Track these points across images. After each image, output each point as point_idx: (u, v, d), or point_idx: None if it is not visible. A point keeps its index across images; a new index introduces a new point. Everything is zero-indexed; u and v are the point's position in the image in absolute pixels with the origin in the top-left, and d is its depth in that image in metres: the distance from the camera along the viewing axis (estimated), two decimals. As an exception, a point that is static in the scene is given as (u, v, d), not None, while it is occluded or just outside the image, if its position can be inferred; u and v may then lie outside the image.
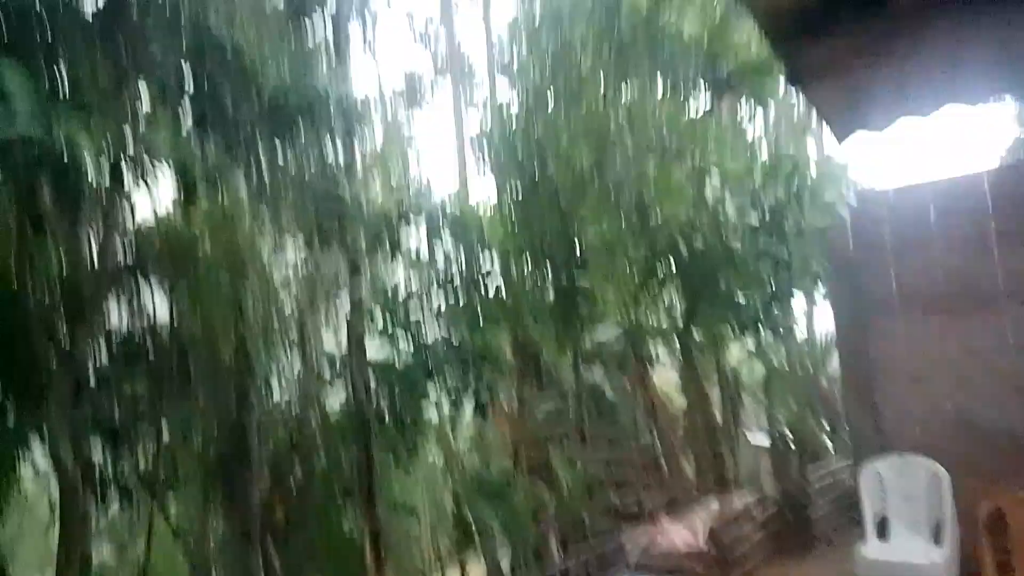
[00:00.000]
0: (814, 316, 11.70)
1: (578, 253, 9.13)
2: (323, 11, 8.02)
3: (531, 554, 8.24)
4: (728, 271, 8.26)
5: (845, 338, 7.11)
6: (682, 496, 8.78)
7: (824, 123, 2.73)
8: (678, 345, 10.20)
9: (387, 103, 12.18)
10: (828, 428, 12.20)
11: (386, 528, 9.02)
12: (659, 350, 11.14)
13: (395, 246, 8.76)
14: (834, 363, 10.68)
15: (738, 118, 8.91)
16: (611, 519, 8.45)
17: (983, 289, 5.64)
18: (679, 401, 12.22)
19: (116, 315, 9.08)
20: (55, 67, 6.36)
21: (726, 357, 12.00)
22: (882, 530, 5.93)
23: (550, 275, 9.67)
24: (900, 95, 2.44)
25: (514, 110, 9.33)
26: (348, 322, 9.04)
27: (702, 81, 7.98)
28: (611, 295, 9.41)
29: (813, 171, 8.38)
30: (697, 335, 10.10)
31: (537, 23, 8.64)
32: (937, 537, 5.62)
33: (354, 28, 8.34)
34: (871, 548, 5.75)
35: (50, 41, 6.16)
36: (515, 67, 9.14)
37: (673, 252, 8.19)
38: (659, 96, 8.15)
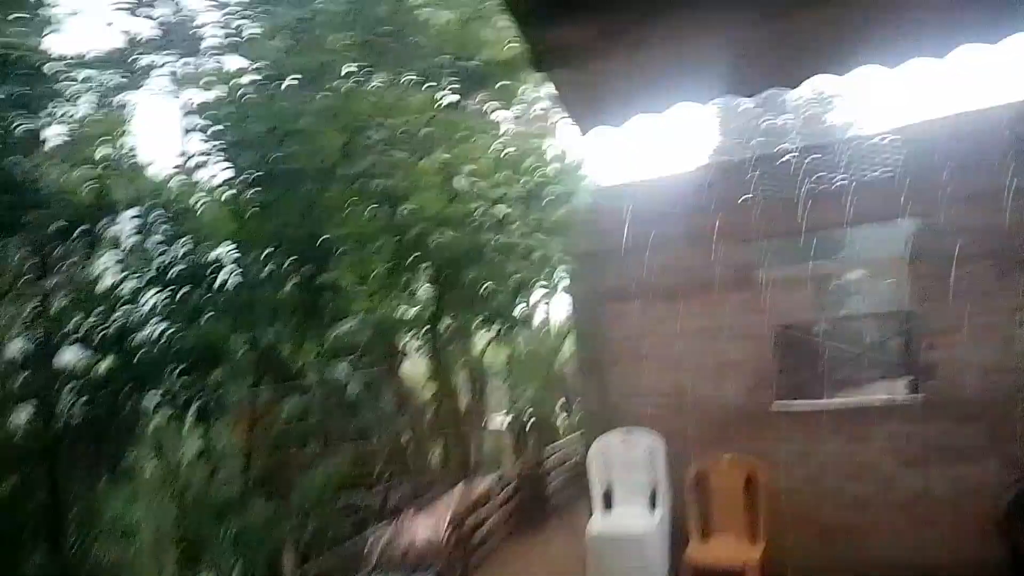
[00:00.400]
0: (554, 304, 12.43)
1: (324, 244, 8.59)
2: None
3: (265, 570, 7.63)
4: (474, 263, 8.34)
5: (581, 323, 7.56)
6: (428, 487, 8.77)
7: (568, 115, 2.68)
8: (428, 336, 10.17)
9: (94, 71, 10.50)
10: (566, 409, 13.12)
11: (96, 557, 7.86)
12: (410, 342, 11.06)
13: (95, 239, 7.54)
14: (571, 347, 11.46)
15: (486, 111, 9.02)
16: (355, 520, 8.16)
17: (702, 277, 6.29)
18: (429, 392, 12.26)
19: None
20: None
21: (472, 346, 12.28)
22: (608, 502, 6.41)
23: (292, 267, 9.01)
24: (635, 91, 2.45)
25: (247, 85, 8.48)
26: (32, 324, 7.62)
27: (452, 74, 7.91)
28: (359, 287, 9.04)
29: (555, 166, 8.78)
30: (445, 326, 10.15)
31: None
32: (653, 504, 6.21)
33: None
34: (595, 522, 6.18)
35: None
36: (249, 40, 8.31)
37: (422, 244, 8.07)
38: (408, 85, 7.94)
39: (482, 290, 8.70)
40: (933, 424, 5.62)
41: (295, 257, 8.98)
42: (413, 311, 10.45)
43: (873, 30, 1.97)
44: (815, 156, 5.80)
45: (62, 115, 8.63)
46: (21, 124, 7.29)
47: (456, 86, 8.01)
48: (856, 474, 5.87)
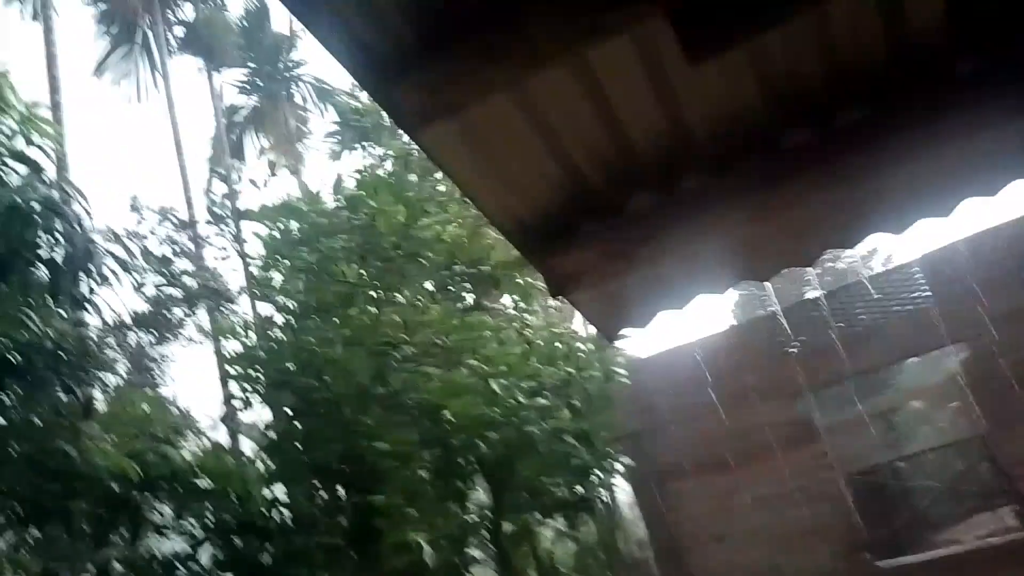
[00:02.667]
0: (614, 489, 11.84)
1: (368, 467, 8.43)
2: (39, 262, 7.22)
3: None
4: (525, 458, 8.11)
5: (645, 506, 7.16)
6: None
7: (592, 325, 2.69)
8: (491, 542, 9.64)
9: (132, 341, 11.09)
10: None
11: None
12: (473, 551, 10.48)
13: (138, 519, 7.51)
14: (641, 530, 10.76)
15: (505, 309, 9.21)
16: None
17: (755, 440, 6.01)
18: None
19: None
20: None
21: (538, 544, 11.60)
22: None
23: (340, 498, 8.80)
24: (655, 295, 2.47)
25: (279, 327, 8.82)
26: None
27: (466, 280, 8.19)
28: (410, 508, 8.72)
29: (585, 348, 8.76)
30: (507, 529, 9.65)
31: (293, 242, 8.47)
32: None
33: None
34: None
35: None
36: (276, 285, 8.75)
37: (469, 449, 7.89)
38: (428, 299, 8.20)
39: (539, 483, 8.37)
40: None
41: (344, 485, 8.79)
42: (472, 518, 10.02)
43: (877, 204, 1.99)
44: (844, 299, 5.75)
45: (101, 384, 8.95)
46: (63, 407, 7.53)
47: (472, 292, 8.25)
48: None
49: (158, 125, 30.77)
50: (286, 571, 7.88)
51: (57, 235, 7.12)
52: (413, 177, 8.73)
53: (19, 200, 6.93)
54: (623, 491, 11.86)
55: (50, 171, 8.07)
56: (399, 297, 8.16)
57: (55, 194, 7.45)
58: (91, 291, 7.45)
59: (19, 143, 7.55)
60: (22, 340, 6.93)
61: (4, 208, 6.87)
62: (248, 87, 24.05)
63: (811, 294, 7.37)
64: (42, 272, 7.19)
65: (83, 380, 7.95)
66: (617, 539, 11.79)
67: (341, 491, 9.00)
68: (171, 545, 8.36)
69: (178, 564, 7.99)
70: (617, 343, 7.74)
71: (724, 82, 1.80)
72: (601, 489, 11.02)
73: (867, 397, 6.74)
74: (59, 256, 7.05)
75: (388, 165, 10.95)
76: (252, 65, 23.57)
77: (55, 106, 14.67)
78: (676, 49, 1.49)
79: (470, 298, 8.59)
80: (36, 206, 7.01)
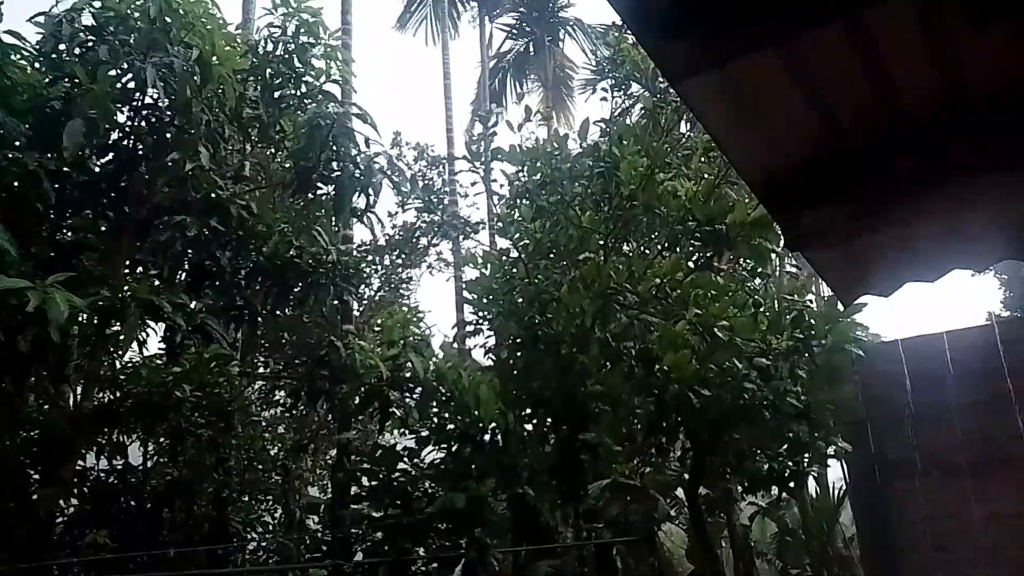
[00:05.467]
0: (827, 474, 11.16)
1: (581, 405, 8.85)
2: (328, 180, 8.44)
3: None
4: (736, 424, 7.96)
5: (861, 500, 6.74)
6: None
7: (829, 287, 2.66)
8: (686, 502, 9.68)
9: (385, 261, 12.46)
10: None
11: None
12: (667, 508, 10.59)
13: (386, 406, 8.60)
14: (847, 518, 10.11)
15: (737, 270, 8.97)
16: None
17: (1008, 451, 5.40)
18: (686, 564, 11.48)
19: (91, 464, 8.90)
20: (51, 231, 6.62)
21: (736, 517, 11.39)
22: None
23: (551, 428, 9.36)
24: (905, 262, 2.38)
25: (510, 262, 9.45)
26: (332, 476, 8.69)
27: (699, 238, 8.10)
28: (616, 449, 9.03)
29: (817, 320, 8.28)
30: (704, 493, 9.63)
31: (537, 184, 8.94)
32: None
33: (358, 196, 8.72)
34: None
35: (50, 205, 6.44)
36: (514, 224, 9.34)
37: (680, 405, 7.93)
38: (657, 252, 8.25)
39: (746, 454, 8.22)
40: None
41: (554, 418, 9.33)
42: (671, 475, 10.12)
43: None
44: None
45: (360, 295, 10.30)
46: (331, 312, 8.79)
47: (704, 249, 8.15)
48: None
49: (433, 71, 33.33)
50: (494, 482, 8.62)
51: (345, 157, 8.27)
52: (659, 130, 8.72)
53: (320, 122, 8.12)
54: (837, 480, 11.16)
55: (341, 99, 9.22)
56: (630, 244, 8.30)
57: (346, 120, 8.58)
58: (367, 208, 8.59)
59: (319, 74, 8.78)
60: (311, 250, 8.20)
61: (307, 130, 8.11)
62: (515, 32, 25.07)
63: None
64: (329, 189, 8.43)
65: (349, 290, 9.22)
66: (824, 529, 11.18)
67: (551, 422, 9.56)
68: (404, 442, 9.54)
69: (404, 458, 9.13)
70: (856, 319, 7.22)
71: (1013, 48, 1.69)
72: (814, 472, 10.48)
73: None
74: (346, 176, 8.20)
75: (635, 115, 11.01)
76: (522, 10, 24.49)
77: (345, 47, 16.74)
78: (959, 10, 1.45)
79: (701, 255, 8.49)
80: (330, 129, 8.16)
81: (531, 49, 24.71)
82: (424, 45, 24.06)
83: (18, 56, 7.13)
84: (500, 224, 9.95)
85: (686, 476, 9.25)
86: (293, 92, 8.47)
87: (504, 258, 9.82)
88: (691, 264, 8.33)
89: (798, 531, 11.32)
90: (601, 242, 8.78)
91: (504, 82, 24.95)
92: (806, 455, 7.70)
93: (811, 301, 8.68)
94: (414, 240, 15.38)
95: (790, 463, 7.95)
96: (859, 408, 6.40)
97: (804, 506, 11.09)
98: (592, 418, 8.88)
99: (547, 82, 24.40)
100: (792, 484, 8.77)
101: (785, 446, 7.77)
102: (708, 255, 8.21)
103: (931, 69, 1.81)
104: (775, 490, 8.83)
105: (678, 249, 8.55)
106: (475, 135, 9.15)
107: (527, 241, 9.23)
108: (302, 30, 8.36)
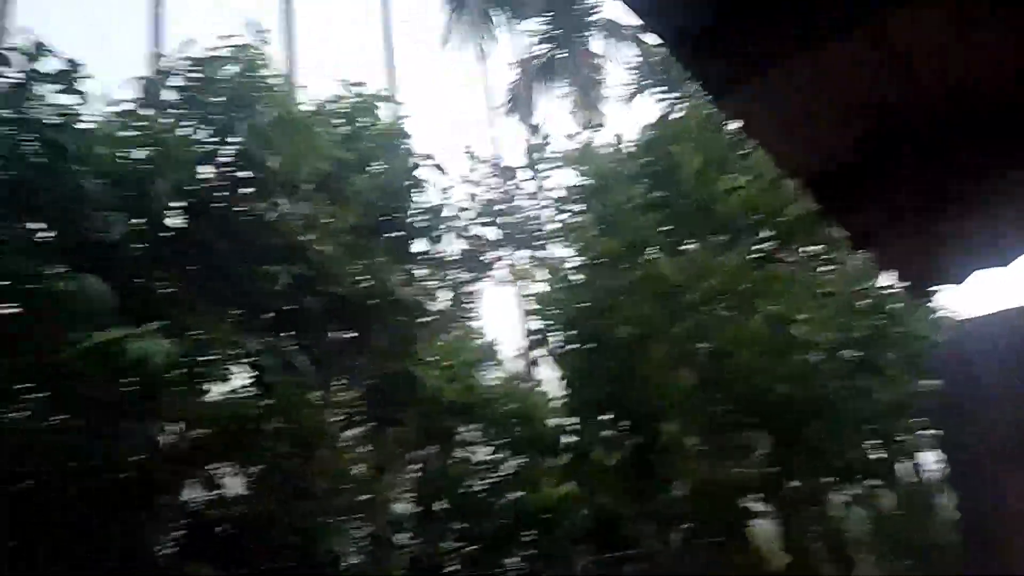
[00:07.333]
0: (921, 459, 10.70)
1: (652, 406, 8.76)
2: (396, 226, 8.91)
3: None
4: (818, 415, 7.76)
5: (961, 486, 6.43)
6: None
7: (898, 278, 2.59)
8: (770, 498, 9.45)
9: (453, 287, 12.72)
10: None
11: None
12: (748, 505, 10.35)
13: (450, 430, 8.84)
14: (946, 506, 9.67)
15: (804, 261, 8.75)
16: None
17: None
18: (780, 559, 11.16)
19: (187, 495, 9.37)
20: (138, 283, 7.06)
21: (828, 510, 11.03)
22: None
23: (623, 430, 9.30)
24: (976, 248, 2.30)
25: (573, 269, 9.47)
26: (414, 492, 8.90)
27: (762, 231, 7.95)
28: (689, 448, 8.90)
29: (892, 305, 7.99)
30: (791, 487, 9.35)
31: (589, 189, 8.95)
32: None
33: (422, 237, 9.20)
34: None
35: (141, 259, 6.87)
36: (574, 230, 9.38)
37: (755, 401, 7.78)
38: (720, 249, 8.13)
39: (833, 444, 7.99)
40: None
41: (625, 420, 9.27)
42: (751, 471, 9.88)
43: None
44: None
45: (426, 316, 10.54)
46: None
47: (766, 244, 7.99)
48: None
49: (469, 79, 33.72)
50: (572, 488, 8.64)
51: (410, 205, 8.74)
52: (713, 126, 8.62)
53: (389, 180, 8.64)
54: (933, 468, 10.68)
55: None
56: (689, 245, 8.21)
57: (412, 169, 9.05)
58: (434, 243, 9.00)
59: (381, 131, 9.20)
60: (379, 288, 8.60)
61: (380, 190, 8.62)
62: (544, 36, 25.12)
63: None
64: (396, 234, 8.88)
65: (413, 323, 9.56)
66: (922, 517, 10.71)
67: (621, 424, 9.49)
68: (474, 456, 9.70)
69: (481, 470, 9.28)
70: (931, 301, 6.92)
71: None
72: (904, 460, 10.06)
73: None
74: (411, 223, 8.67)
75: (682, 111, 10.88)
76: (550, 13, 24.52)
77: (391, 73, 17.36)
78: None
79: (766, 249, 8.33)
80: (401, 183, 8.63)
81: (560, 53, 24.66)
82: (461, 59, 24.51)
83: (106, 119, 7.69)
84: (559, 231, 10.00)
85: (769, 471, 9.04)
86: (361, 146, 8.99)
87: (564, 265, 9.84)
88: (756, 258, 8.17)
89: (895, 520, 10.89)
90: (663, 241, 8.70)
91: (534, 87, 24.99)
92: (894, 443, 7.44)
93: (883, 288, 8.40)
94: (479, 254, 15.51)
95: (880, 453, 7.68)
96: (948, 393, 6.11)
97: (900, 494, 10.67)
98: (666, 418, 8.78)
99: (578, 84, 24.31)
100: (883, 473, 8.47)
101: (869, 438, 7.53)
102: (773, 248, 8.04)
103: (1003, 45, 1.75)
104: (867, 480, 8.54)
105: (742, 243, 8.40)
106: (518, 142, 9.40)
107: (587, 246, 9.23)
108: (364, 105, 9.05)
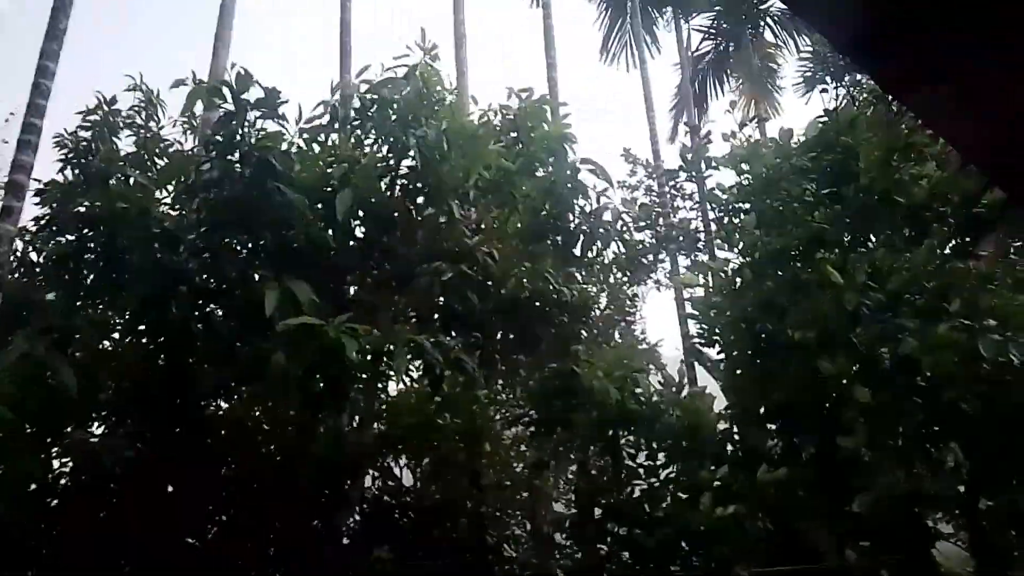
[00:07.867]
0: None
1: (833, 414, 8.29)
2: (560, 230, 9.20)
3: None
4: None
5: None
6: None
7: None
8: (964, 518, 8.60)
9: (614, 289, 12.77)
10: None
11: None
12: (940, 524, 9.47)
13: (614, 440, 8.96)
14: None
15: (1005, 255, 7.93)
16: None
17: None
18: (970, 583, 10.13)
19: (367, 485, 10.22)
20: (331, 288, 8.07)
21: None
22: None
23: (801, 439, 8.87)
24: None
25: (737, 271, 9.20)
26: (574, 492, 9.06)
27: (951, 223, 7.30)
28: (877, 459, 8.31)
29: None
30: (986, 505, 8.46)
31: (757, 186, 8.65)
32: None
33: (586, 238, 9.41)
34: None
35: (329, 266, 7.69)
36: (737, 231, 9.13)
37: (947, 410, 7.17)
38: (905, 244, 7.57)
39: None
40: None
41: (799, 430, 8.83)
42: (944, 487, 9.04)
43: None
44: None
45: (588, 319, 10.68)
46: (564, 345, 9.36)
47: (960, 234, 7.32)
48: None
49: (631, 80, 33.47)
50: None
51: (574, 210, 9.04)
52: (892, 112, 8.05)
53: (553, 185, 9.14)
54: None
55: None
56: (871, 242, 7.71)
57: (575, 174, 9.33)
58: (595, 247, 9.23)
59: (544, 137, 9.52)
60: (543, 289, 8.95)
61: (545, 194, 9.00)
62: (713, 31, 24.36)
63: None
64: (559, 239, 9.19)
65: (576, 325, 9.77)
66: None
67: (794, 434, 9.04)
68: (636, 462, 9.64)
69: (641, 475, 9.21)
70: None
71: None
72: None
73: None
74: (574, 228, 8.91)
75: (857, 102, 10.21)
76: (718, 8, 23.73)
77: (551, 82, 17.68)
78: None
79: (958, 242, 7.64)
80: (565, 187, 9.07)
81: (730, 46, 23.80)
82: (627, 70, 24.46)
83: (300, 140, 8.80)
84: (722, 233, 9.75)
85: (962, 488, 8.23)
86: (527, 151, 9.43)
87: (726, 268, 9.58)
88: (944, 253, 7.51)
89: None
90: (838, 239, 8.22)
91: (704, 83, 24.27)
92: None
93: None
94: (638, 257, 15.45)
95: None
96: None
97: None
98: (846, 428, 8.25)
99: (751, 76, 23.31)
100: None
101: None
102: (966, 241, 7.36)
103: None
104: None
105: (930, 236, 7.76)
106: (681, 143, 9.25)
107: (753, 246, 8.92)
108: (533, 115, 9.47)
